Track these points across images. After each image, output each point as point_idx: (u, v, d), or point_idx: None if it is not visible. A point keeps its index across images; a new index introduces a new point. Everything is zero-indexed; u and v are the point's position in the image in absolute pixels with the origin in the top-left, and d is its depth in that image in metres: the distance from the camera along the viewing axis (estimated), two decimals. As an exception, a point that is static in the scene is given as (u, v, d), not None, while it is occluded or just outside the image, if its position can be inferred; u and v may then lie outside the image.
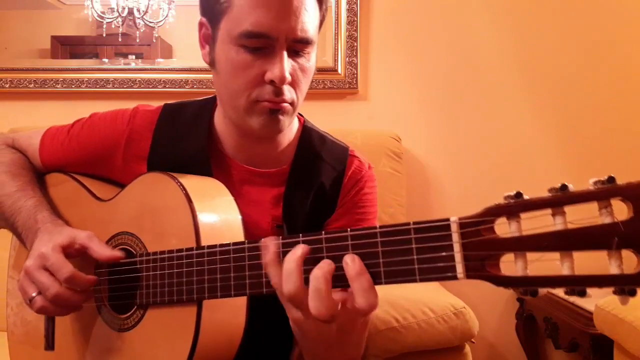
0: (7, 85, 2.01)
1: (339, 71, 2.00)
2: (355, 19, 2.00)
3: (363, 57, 2.02)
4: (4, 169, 0.98)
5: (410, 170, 1.95)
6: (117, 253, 0.81)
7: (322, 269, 0.61)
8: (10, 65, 2.03)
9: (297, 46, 0.81)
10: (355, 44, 2.00)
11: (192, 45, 2.10)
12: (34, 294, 0.79)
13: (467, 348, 1.36)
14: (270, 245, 0.65)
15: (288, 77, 0.79)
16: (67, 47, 2.10)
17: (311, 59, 0.85)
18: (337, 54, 2.00)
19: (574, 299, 1.61)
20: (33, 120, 1.85)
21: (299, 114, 0.98)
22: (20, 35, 2.08)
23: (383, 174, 1.79)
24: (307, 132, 0.96)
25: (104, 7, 2.02)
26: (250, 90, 0.81)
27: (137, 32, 2.04)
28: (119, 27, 2.02)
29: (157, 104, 0.99)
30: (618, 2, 2.04)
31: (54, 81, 2.01)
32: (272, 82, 0.80)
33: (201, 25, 0.87)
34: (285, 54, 0.79)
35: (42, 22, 2.08)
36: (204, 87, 1.99)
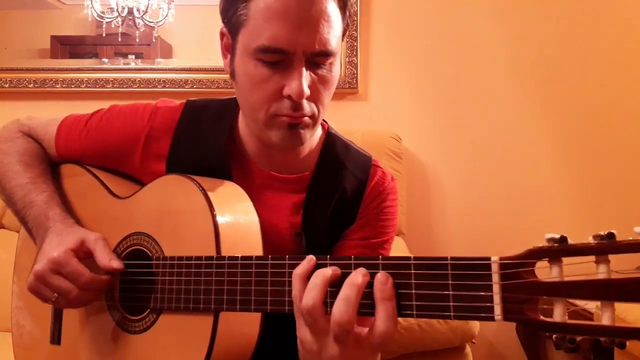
0: (7, 85, 2.01)
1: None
2: (355, 18, 2.00)
3: (363, 57, 2.02)
4: (17, 158, 0.96)
5: (410, 170, 1.95)
6: (116, 265, 0.80)
7: (358, 280, 0.60)
8: (10, 65, 2.03)
9: (317, 59, 0.77)
10: (355, 44, 2.00)
11: (191, 45, 2.12)
12: (55, 295, 0.80)
13: (468, 348, 1.36)
14: (310, 259, 0.65)
15: (306, 92, 0.76)
16: (67, 47, 2.10)
17: (334, 69, 0.81)
18: (337, 54, 2.00)
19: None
20: (33, 120, 1.85)
21: (323, 120, 0.96)
22: (20, 35, 2.08)
23: (383, 174, 1.79)
24: (330, 139, 0.94)
25: (104, 7, 2.02)
26: (269, 104, 0.79)
27: (137, 32, 2.04)
28: (118, 27, 2.02)
29: (184, 100, 0.97)
30: (620, 2, 2.04)
31: (53, 81, 2.01)
32: (290, 97, 0.77)
33: (222, 34, 0.85)
34: (303, 68, 0.76)
35: (42, 22, 2.08)
36: (204, 87, 1.98)
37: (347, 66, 2.00)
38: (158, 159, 0.91)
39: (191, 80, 1.99)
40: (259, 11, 0.75)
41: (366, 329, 0.62)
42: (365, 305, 0.60)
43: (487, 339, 2.00)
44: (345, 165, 0.92)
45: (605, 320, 0.49)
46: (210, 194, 0.78)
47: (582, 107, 2.02)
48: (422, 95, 2.04)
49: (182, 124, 0.92)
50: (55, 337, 0.88)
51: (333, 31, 0.77)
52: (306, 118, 0.79)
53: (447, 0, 2.04)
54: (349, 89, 2.01)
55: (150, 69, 2.04)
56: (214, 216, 0.76)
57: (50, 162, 1.00)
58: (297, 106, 0.78)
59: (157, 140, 0.92)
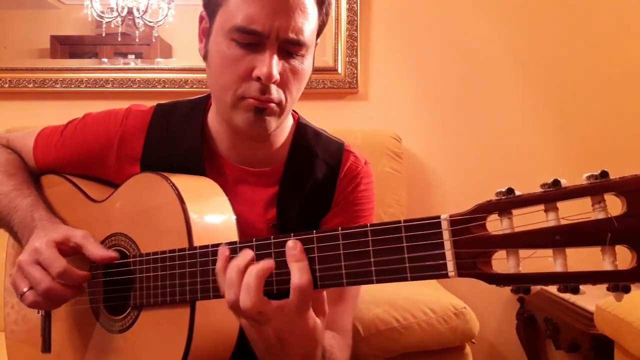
0: (7, 85, 2.00)
1: (339, 71, 2.00)
2: (355, 18, 1.99)
3: (363, 57, 2.02)
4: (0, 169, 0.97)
5: (410, 170, 1.95)
6: (111, 253, 0.80)
7: (258, 267, 0.63)
8: (10, 65, 2.02)
9: (289, 47, 0.79)
10: (355, 43, 2.00)
11: (191, 45, 2.10)
12: (25, 289, 0.79)
13: (468, 348, 1.36)
14: (222, 251, 0.67)
15: (276, 76, 0.78)
16: (67, 46, 2.09)
17: (305, 63, 0.82)
18: (337, 54, 2.00)
19: (575, 299, 1.61)
20: (32, 120, 1.84)
21: (293, 110, 0.97)
22: (19, 35, 2.07)
23: (383, 174, 1.79)
24: (301, 129, 0.95)
25: (104, 6, 2.01)
26: (238, 85, 0.80)
27: (137, 32, 2.03)
28: (118, 26, 2.02)
29: (155, 103, 0.98)
30: (622, 5, 2.04)
31: (53, 81, 2.01)
32: (259, 79, 0.78)
33: (201, 18, 0.87)
34: (275, 52, 0.78)
35: (41, 22, 2.07)
36: (204, 86, 1.98)
37: (347, 66, 2.00)
38: (132, 161, 0.93)
39: (191, 80, 2.00)
40: None
41: (282, 301, 0.64)
42: (283, 281, 0.63)
43: (487, 339, 2.00)
44: (316, 154, 0.93)
45: (558, 267, 0.49)
46: (180, 188, 0.79)
47: (584, 108, 2.02)
48: (422, 96, 2.04)
49: (153, 126, 0.94)
50: (47, 345, 0.89)
51: (308, 23, 0.79)
52: (273, 104, 0.80)
53: (447, 0, 2.04)
54: (349, 89, 2.01)
55: (150, 69, 2.03)
56: (184, 209, 0.76)
57: (32, 172, 1.01)
58: (265, 89, 0.79)
59: (130, 142, 0.93)
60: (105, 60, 2.07)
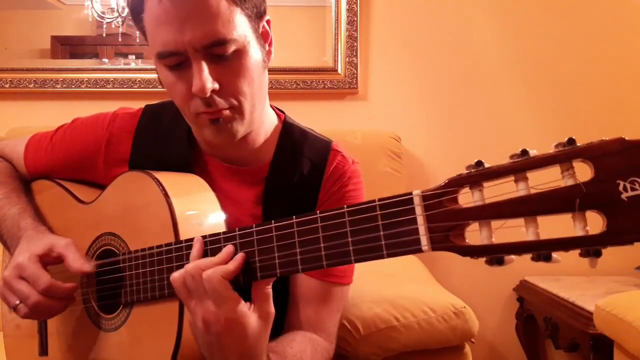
0: (7, 85, 2.01)
1: (339, 71, 2.00)
2: (355, 18, 2.00)
3: (363, 57, 2.02)
4: None
5: (410, 170, 1.95)
6: (88, 267, 0.80)
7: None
8: (10, 65, 2.02)
9: (214, 50, 0.75)
10: (355, 44, 2.00)
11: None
12: (17, 302, 0.80)
13: (467, 348, 1.36)
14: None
15: (209, 87, 0.75)
16: (67, 47, 2.10)
17: (244, 56, 0.78)
18: (337, 54, 2.00)
19: (574, 299, 1.61)
20: (33, 121, 1.85)
21: (279, 109, 0.97)
22: (20, 35, 2.07)
23: (383, 174, 1.79)
24: (287, 128, 0.94)
25: (104, 7, 2.01)
26: (187, 104, 0.80)
27: (137, 32, 2.03)
28: (119, 27, 2.02)
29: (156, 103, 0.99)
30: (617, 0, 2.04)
31: (53, 81, 2.01)
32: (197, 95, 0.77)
33: None
34: (203, 64, 0.75)
35: (42, 22, 2.08)
36: (204, 87, 1.98)
37: (347, 66, 2.00)
38: (120, 163, 0.93)
39: (191, 80, 2.00)
40: (149, 22, 0.77)
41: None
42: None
43: (486, 338, 2.01)
44: (302, 152, 0.92)
45: (530, 236, 0.50)
46: (165, 184, 0.80)
47: (585, 109, 2.02)
48: (422, 96, 2.04)
49: (141, 127, 0.94)
50: (44, 348, 0.89)
51: (220, 19, 0.75)
52: (226, 111, 0.79)
53: (447, 0, 2.04)
54: (349, 89, 2.01)
55: (151, 69, 2.03)
56: (169, 204, 0.77)
57: (23, 179, 1.02)
58: (208, 102, 0.78)
59: (117, 145, 0.94)
60: (106, 60, 2.07)
